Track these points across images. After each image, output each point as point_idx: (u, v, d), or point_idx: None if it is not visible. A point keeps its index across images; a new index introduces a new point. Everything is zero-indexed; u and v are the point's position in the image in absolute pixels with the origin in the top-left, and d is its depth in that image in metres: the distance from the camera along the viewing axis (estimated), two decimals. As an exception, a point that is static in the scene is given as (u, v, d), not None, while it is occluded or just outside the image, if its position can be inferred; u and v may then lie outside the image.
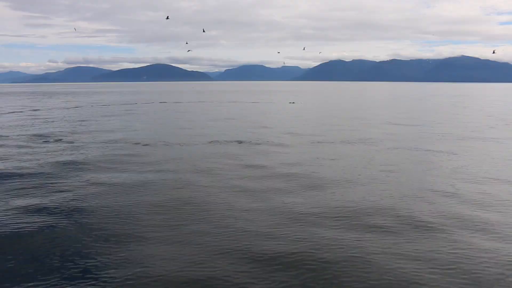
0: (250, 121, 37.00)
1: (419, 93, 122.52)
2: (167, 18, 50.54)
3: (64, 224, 10.78)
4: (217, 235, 10.03)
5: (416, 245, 9.42)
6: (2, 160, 18.95)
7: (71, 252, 9.14)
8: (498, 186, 14.52)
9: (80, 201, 12.64)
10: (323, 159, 19.21)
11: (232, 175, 16.09)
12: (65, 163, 18.01)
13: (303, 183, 14.80)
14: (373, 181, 15.11)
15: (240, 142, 24.14)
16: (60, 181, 15.13)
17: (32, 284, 7.86)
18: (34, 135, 27.24)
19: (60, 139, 25.24)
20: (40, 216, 11.34)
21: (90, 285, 7.81)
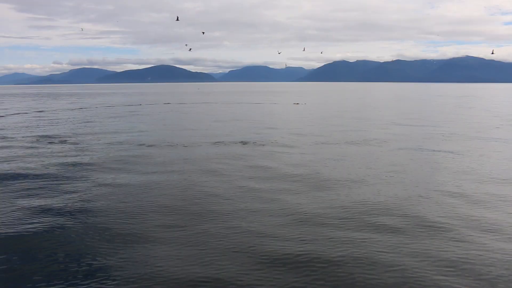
0: (254, 122, 36.97)
1: (423, 94, 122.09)
2: (177, 19, 50.60)
3: (69, 225, 10.79)
4: (223, 235, 10.00)
5: (423, 245, 9.36)
6: (7, 161, 19.02)
7: (77, 252, 9.14)
8: (504, 186, 14.42)
9: (86, 202, 12.66)
10: (329, 160, 19.14)
11: (237, 176, 16.06)
12: (70, 164, 18.06)
13: (309, 184, 14.75)
14: (379, 182, 15.04)
15: (245, 143, 24.11)
16: (65, 182, 15.16)
17: (38, 284, 7.86)
18: (39, 136, 27.33)
19: (65, 140, 25.31)
20: (46, 217, 11.35)
21: (97, 286, 7.80)
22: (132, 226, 10.69)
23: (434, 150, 21.60)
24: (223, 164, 18.11)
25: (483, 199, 12.86)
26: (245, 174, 16.35)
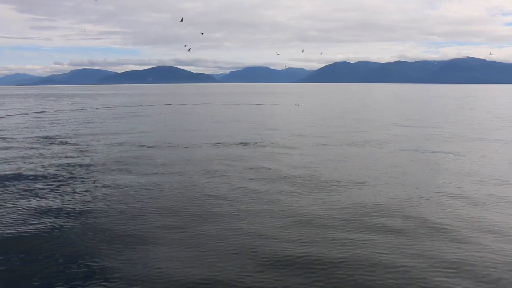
0: (255, 123, 36.97)
1: (424, 95, 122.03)
2: (182, 20, 50.98)
3: (70, 226, 10.78)
4: (223, 237, 9.99)
5: (424, 246, 9.35)
6: (8, 162, 19.03)
7: (77, 253, 9.13)
8: (505, 188, 14.39)
9: (86, 203, 12.66)
10: (329, 161, 19.13)
11: (238, 177, 16.05)
12: (70, 165, 18.06)
13: (310, 185, 14.74)
14: (379, 183, 15.02)
15: (245, 144, 24.11)
16: (66, 183, 15.16)
17: (39, 284, 7.85)
18: (40, 137, 27.36)
19: (66, 141, 25.33)
20: (46, 218, 11.35)
21: (96, 287, 7.79)
22: (133, 227, 10.68)
23: (434, 152, 21.58)
24: (223, 165, 18.10)
25: (484, 201, 12.84)
26: (245, 175, 16.34)
